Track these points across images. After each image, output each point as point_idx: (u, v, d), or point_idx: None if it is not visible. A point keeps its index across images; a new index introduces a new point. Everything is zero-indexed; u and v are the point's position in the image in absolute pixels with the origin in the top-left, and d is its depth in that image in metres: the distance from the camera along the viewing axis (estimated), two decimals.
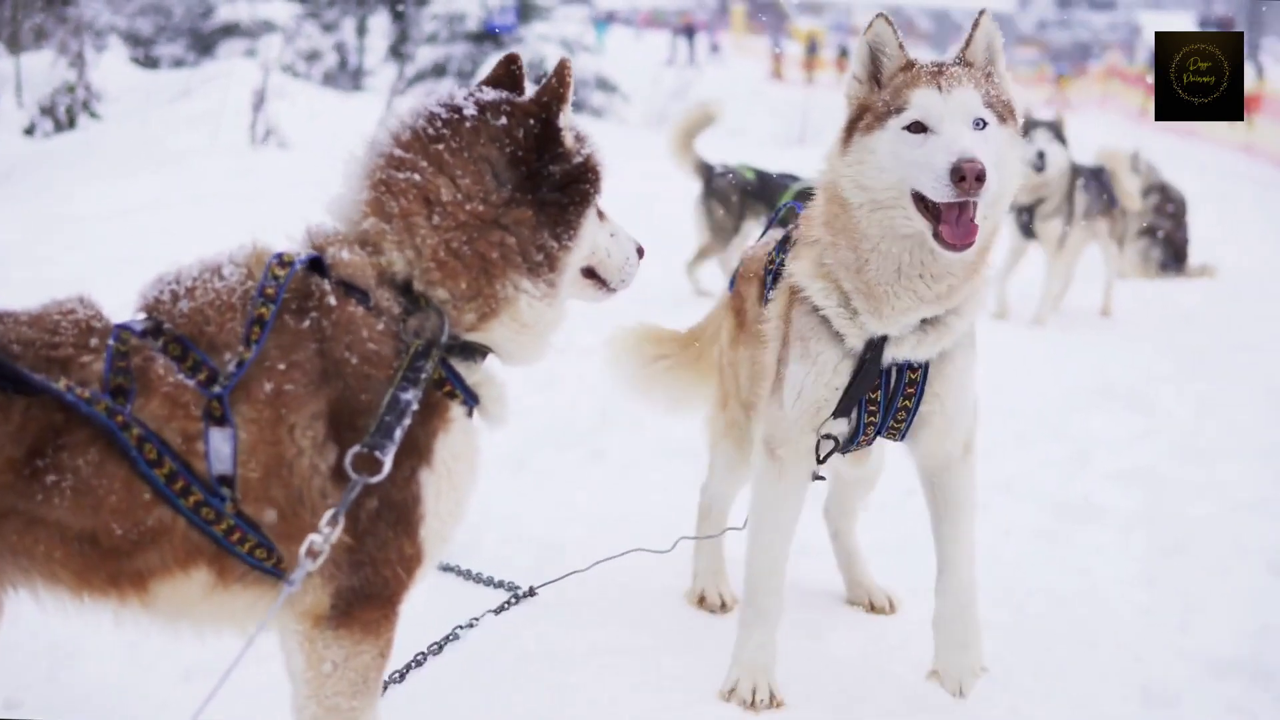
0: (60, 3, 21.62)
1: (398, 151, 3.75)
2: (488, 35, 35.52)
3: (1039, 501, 7.61)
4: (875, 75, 4.88)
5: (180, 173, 17.01)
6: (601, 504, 7.29)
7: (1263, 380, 10.57)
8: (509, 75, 3.99)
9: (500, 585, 6.21)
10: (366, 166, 3.79)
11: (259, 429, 3.48)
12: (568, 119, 3.83)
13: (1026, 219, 13.15)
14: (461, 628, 5.70)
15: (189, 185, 16.15)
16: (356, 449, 3.49)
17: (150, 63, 31.40)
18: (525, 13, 36.22)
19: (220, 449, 3.43)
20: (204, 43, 32.64)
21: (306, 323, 3.58)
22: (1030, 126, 13.21)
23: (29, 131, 20.68)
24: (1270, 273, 16.26)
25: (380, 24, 38.10)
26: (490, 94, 3.86)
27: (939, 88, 4.67)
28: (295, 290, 3.60)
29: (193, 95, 21.66)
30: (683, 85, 41.11)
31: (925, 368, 4.97)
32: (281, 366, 3.51)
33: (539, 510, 7.08)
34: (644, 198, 16.79)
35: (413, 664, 5.35)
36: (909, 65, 4.81)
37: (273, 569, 3.58)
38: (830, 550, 6.41)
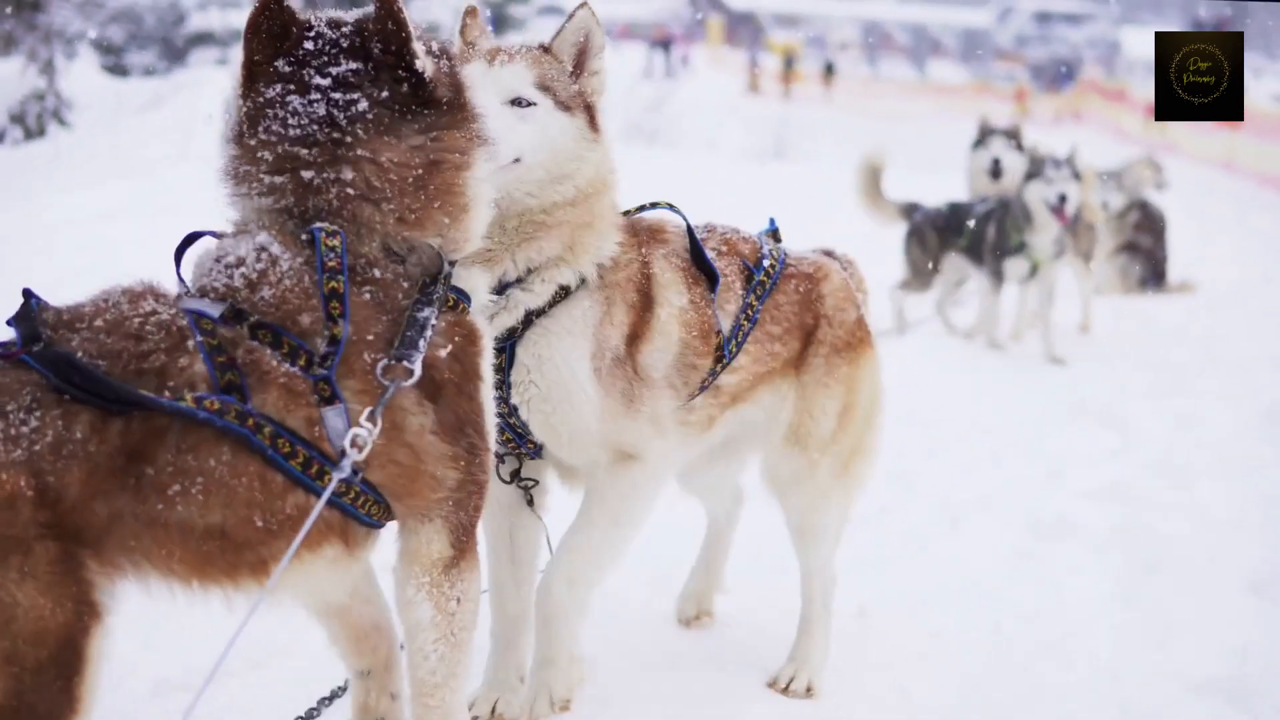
0: (30, 9, 21.47)
1: (304, 152, 3.73)
2: None
3: (1014, 519, 7.58)
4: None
5: (151, 182, 16.91)
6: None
7: (1240, 398, 10.58)
8: (281, 17, 3.84)
9: None
10: (273, 181, 3.76)
11: (369, 399, 3.59)
12: (414, 47, 3.82)
13: None
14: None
15: (160, 194, 16.05)
16: (385, 361, 3.60)
17: (121, 71, 31.24)
18: (500, 24, 36.20)
19: (335, 425, 3.51)
20: (176, 51, 32.53)
21: (367, 291, 3.69)
22: (986, 134, 13.17)
23: None
24: (1250, 289, 16.30)
25: None
26: (341, 66, 3.80)
27: (488, 62, 4.74)
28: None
29: (164, 104, 21.58)
30: (658, 98, 41.12)
31: (509, 353, 4.77)
32: (370, 337, 3.63)
33: None
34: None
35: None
36: (487, 51, 4.87)
37: (378, 523, 3.77)
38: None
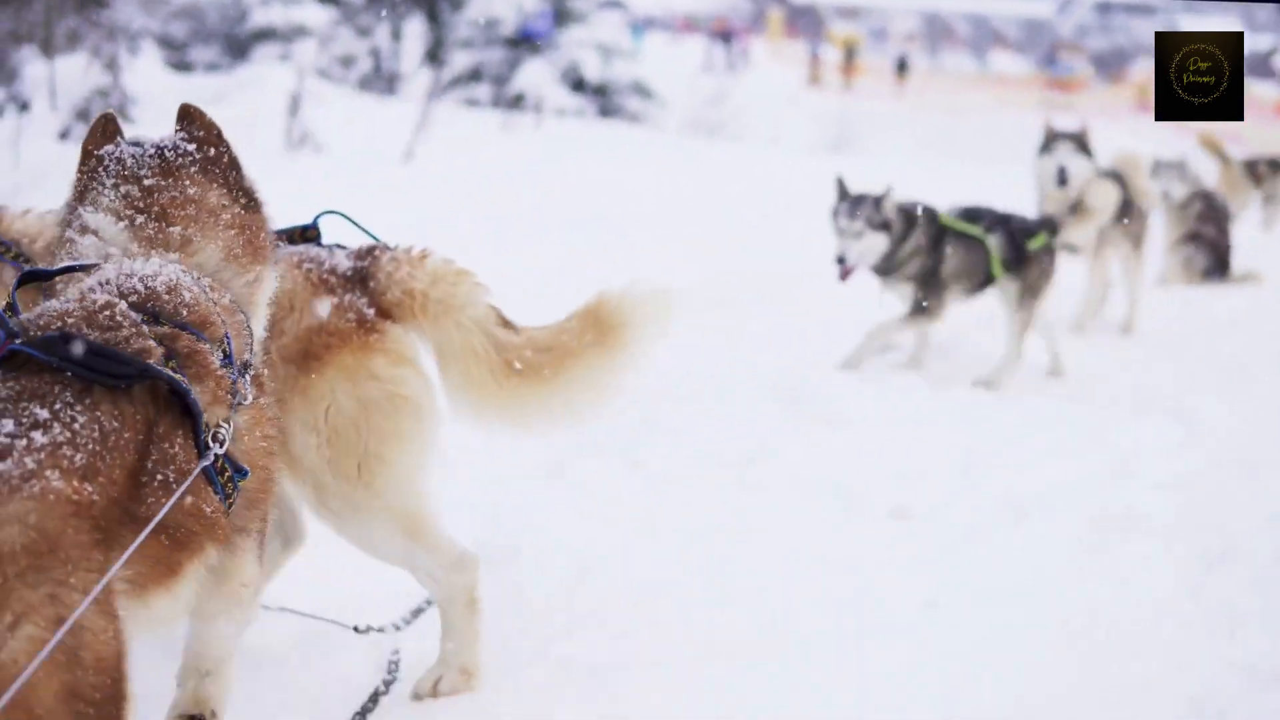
0: (94, 6, 21.58)
1: (149, 181, 4.13)
2: (523, 40, 35.61)
3: (1080, 512, 7.52)
4: None
5: None
6: (640, 514, 7.23)
7: None
8: (114, 130, 4.37)
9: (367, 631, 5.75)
10: (120, 203, 4.09)
11: (256, 407, 3.94)
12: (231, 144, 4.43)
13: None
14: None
15: None
16: (233, 376, 3.79)
17: (184, 67, 31.37)
18: (561, 18, 36.31)
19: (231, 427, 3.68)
20: (238, 47, 32.66)
21: (228, 301, 3.99)
22: (1052, 139, 12.80)
23: (63, 136, 20.62)
24: None
25: (415, 28, 38.16)
26: (178, 137, 4.33)
27: None
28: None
29: (228, 100, 21.69)
30: (719, 92, 41.17)
31: None
32: (243, 346, 3.93)
33: (576, 520, 7.04)
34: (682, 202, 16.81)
35: None
36: None
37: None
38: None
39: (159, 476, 3.36)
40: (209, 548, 3.64)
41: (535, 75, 34.23)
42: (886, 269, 10.54)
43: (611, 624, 5.94)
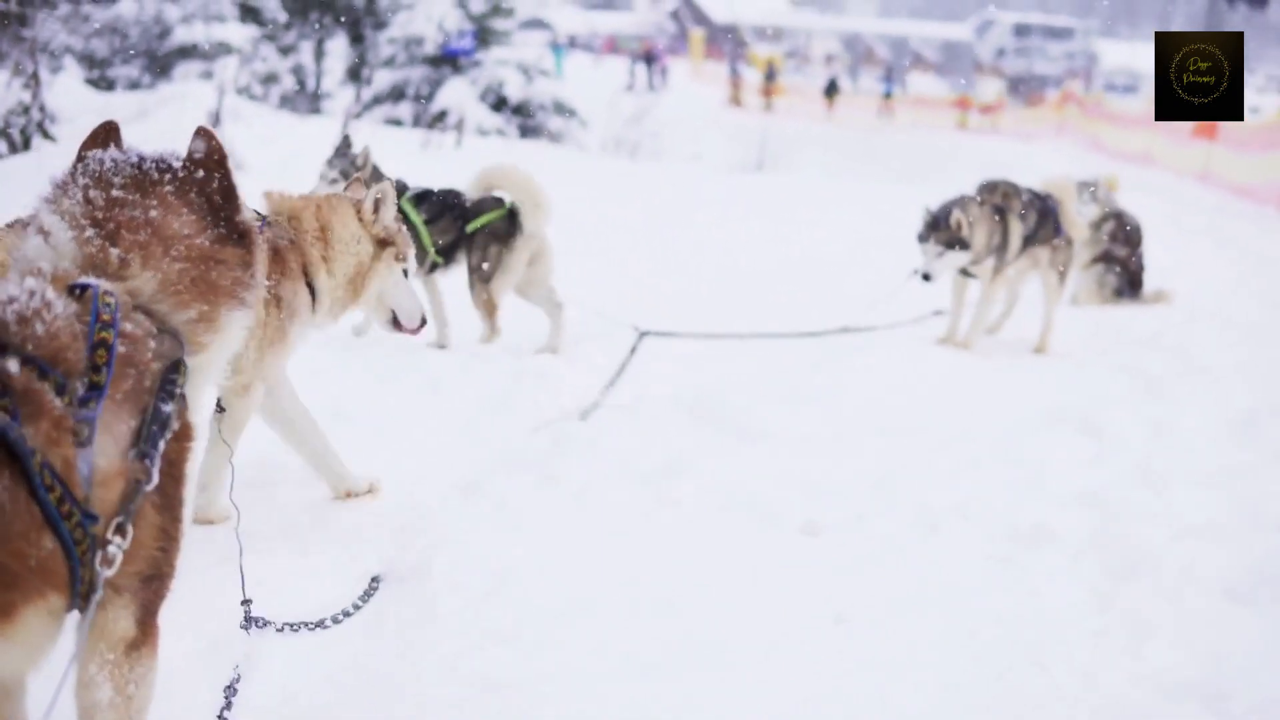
0: (15, 23, 21.39)
1: (117, 193, 4.09)
2: (445, 59, 35.62)
3: (992, 526, 7.59)
4: None
5: None
6: (554, 529, 7.23)
7: (1215, 405, 10.59)
8: (114, 137, 4.41)
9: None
10: (80, 209, 4.05)
11: (113, 451, 3.64)
12: (232, 170, 4.44)
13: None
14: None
15: None
16: (133, 453, 3.67)
17: (106, 84, 31.12)
18: (483, 37, 36.32)
19: (83, 470, 3.50)
20: (160, 64, 32.41)
21: (124, 346, 3.75)
22: (928, 230, 12.29)
23: None
24: (1224, 298, 16.34)
25: (338, 47, 38.08)
26: (172, 154, 4.32)
27: None
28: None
29: (149, 117, 21.56)
30: (641, 111, 41.27)
31: None
32: (124, 388, 3.71)
33: (490, 535, 7.04)
34: (604, 219, 16.81)
35: None
36: None
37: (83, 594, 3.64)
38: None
39: None
40: (49, 594, 3.48)
41: (457, 94, 34.25)
42: None
43: (522, 639, 5.92)
